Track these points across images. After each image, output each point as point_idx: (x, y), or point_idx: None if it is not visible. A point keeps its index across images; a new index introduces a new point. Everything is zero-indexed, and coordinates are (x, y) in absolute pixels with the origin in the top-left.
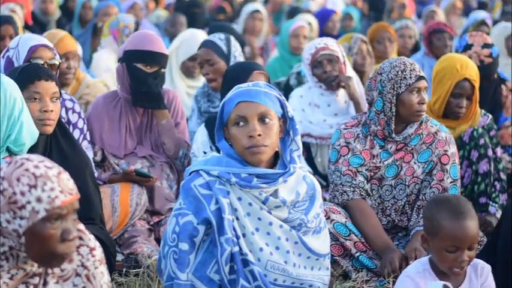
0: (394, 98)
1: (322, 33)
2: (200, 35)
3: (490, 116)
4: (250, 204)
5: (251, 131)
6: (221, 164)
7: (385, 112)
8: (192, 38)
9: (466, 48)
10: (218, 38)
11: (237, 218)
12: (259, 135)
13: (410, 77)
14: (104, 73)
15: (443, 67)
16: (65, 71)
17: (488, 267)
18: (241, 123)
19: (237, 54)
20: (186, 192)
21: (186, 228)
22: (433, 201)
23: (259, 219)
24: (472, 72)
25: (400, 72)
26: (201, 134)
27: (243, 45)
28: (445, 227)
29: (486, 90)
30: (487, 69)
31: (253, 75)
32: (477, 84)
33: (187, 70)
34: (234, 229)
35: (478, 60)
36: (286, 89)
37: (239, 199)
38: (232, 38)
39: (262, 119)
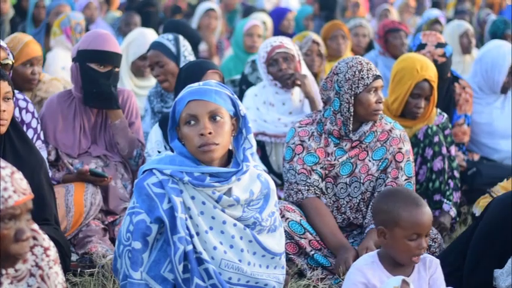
0: (352, 98)
1: (278, 31)
2: (149, 34)
3: (446, 115)
4: (203, 203)
5: (202, 129)
6: (174, 163)
7: (342, 112)
8: (141, 37)
9: (420, 47)
10: (166, 38)
11: (191, 217)
12: (209, 133)
13: (368, 77)
14: (61, 72)
15: (402, 67)
16: (30, 77)
17: (436, 261)
18: (192, 122)
19: (187, 54)
20: (139, 191)
21: (139, 227)
22: (383, 195)
23: (213, 217)
24: (431, 73)
25: (357, 72)
26: (155, 134)
27: (198, 42)
28: (405, 215)
29: (439, 88)
30: (440, 69)
31: (207, 74)
32: (435, 85)
33: (138, 69)
34: (188, 228)
35: (431, 60)
36: (243, 81)
37: (192, 198)
38: (181, 38)
39: (213, 117)
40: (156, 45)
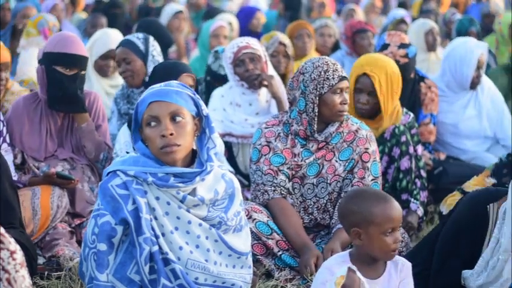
0: (317, 98)
1: (247, 30)
2: (113, 34)
3: (412, 114)
4: (168, 203)
5: (163, 130)
6: (138, 164)
7: (307, 112)
8: (103, 37)
9: (383, 47)
10: (136, 37)
11: (156, 218)
12: (171, 134)
13: (333, 78)
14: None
15: (354, 64)
16: None
17: (408, 265)
18: (154, 124)
19: (155, 54)
20: (103, 192)
21: (104, 229)
22: (350, 197)
23: (178, 218)
24: (376, 69)
25: (323, 73)
26: (124, 134)
27: (170, 43)
28: (378, 212)
29: (403, 88)
30: (402, 69)
31: (181, 77)
32: (378, 81)
33: (100, 69)
34: (153, 229)
35: (394, 60)
36: (208, 72)
37: (157, 198)
38: (151, 38)
39: (174, 118)
40: (126, 43)
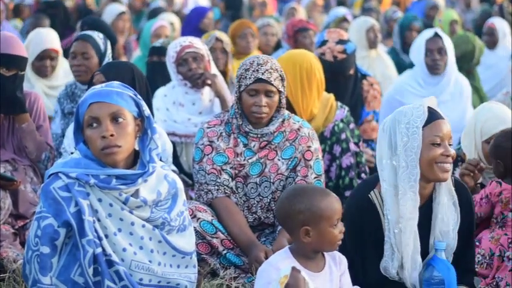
0: (237, 95)
1: (198, 30)
2: (44, 33)
3: (347, 108)
4: (111, 205)
5: (103, 131)
6: (80, 165)
7: (236, 108)
8: (36, 38)
9: (322, 44)
10: (97, 35)
11: (99, 220)
12: (111, 135)
13: (250, 78)
14: None
15: None
16: None
17: (345, 260)
18: (95, 125)
19: (110, 57)
20: (45, 195)
21: (46, 231)
22: (292, 196)
23: (121, 219)
24: (282, 64)
25: (244, 71)
26: (72, 130)
27: (115, 43)
28: (326, 206)
29: (344, 86)
30: (340, 65)
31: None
32: (291, 76)
33: (38, 70)
34: (96, 231)
35: (331, 56)
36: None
37: (99, 200)
38: (109, 41)
39: (114, 119)
40: (87, 37)
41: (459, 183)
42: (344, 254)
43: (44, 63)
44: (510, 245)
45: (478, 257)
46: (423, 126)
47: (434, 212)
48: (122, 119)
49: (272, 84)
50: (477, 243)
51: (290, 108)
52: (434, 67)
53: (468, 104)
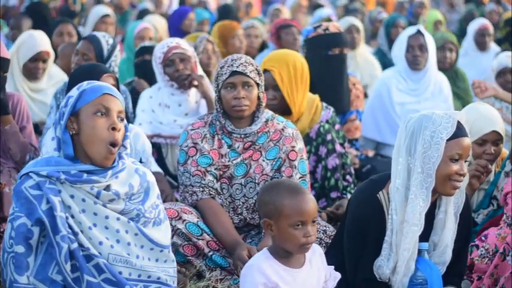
0: (217, 95)
1: (180, 31)
2: (38, 36)
3: (332, 108)
4: (83, 200)
5: (113, 123)
6: (50, 163)
7: (217, 109)
8: (30, 40)
9: (317, 27)
10: (106, 40)
11: (72, 216)
12: (118, 131)
13: (225, 73)
14: None
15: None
16: None
17: (321, 251)
18: (102, 114)
19: (114, 65)
20: (17, 195)
21: (20, 231)
22: (266, 187)
23: (95, 214)
24: (275, 62)
25: (219, 69)
26: (51, 136)
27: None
28: (287, 203)
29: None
30: (345, 36)
31: (103, 78)
32: (287, 76)
33: (30, 72)
34: (70, 227)
35: (336, 28)
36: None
37: (72, 197)
38: (117, 49)
39: (119, 117)
40: (93, 40)
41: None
42: (337, 251)
43: (36, 65)
44: None
45: (482, 251)
46: (448, 140)
47: (436, 220)
48: (123, 120)
49: (248, 76)
50: (483, 238)
51: (286, 108)
52: (414, 62)
53: (450, 101)
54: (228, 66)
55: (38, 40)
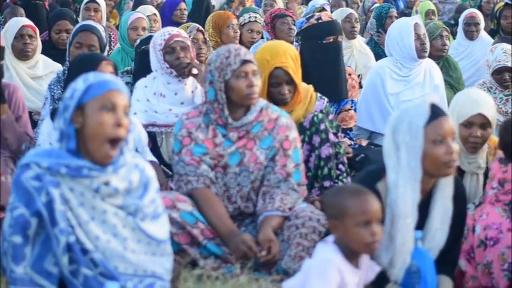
0: (223, 85)
1: (171, 21)
2: (20, 18)
3: (326, 99)
4: (82, 194)
5: (119, 119)
6: (52, 155)
7: (218, 101)
8: (13, 21)
9: (311, 17)
10: (100, 27)
11: (71, 209)
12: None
13: (235, 63)
14: None
15: (256, 58)
16: None
17: (377, 269)
18: (108, 110)
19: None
20: (16, 186)
21: (18, 221)
22: (330, 192)
23: (93, 208)
24: (284, 58)
25: (224, 60)
26: (47, 125)
27: None
28: (351, 203)
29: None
30: (338, 24)
31: (101, 65)
32: (292, 69)
33: (20, 52)
34: (68, 219)
35: (328, 17)
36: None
37: (71, 190)
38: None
39: (125, 112)
40: (93, 29)
41: (455, 177)
42: None
43: (24, 40)
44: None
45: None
46: (425, 125)
47: (431, 207)
48: (127, 115)
49: (255, 64)
50: (484, 217)
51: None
52: (423, 50)
53: (442, 86)
54: (235, 56)
55: (20, 19)
